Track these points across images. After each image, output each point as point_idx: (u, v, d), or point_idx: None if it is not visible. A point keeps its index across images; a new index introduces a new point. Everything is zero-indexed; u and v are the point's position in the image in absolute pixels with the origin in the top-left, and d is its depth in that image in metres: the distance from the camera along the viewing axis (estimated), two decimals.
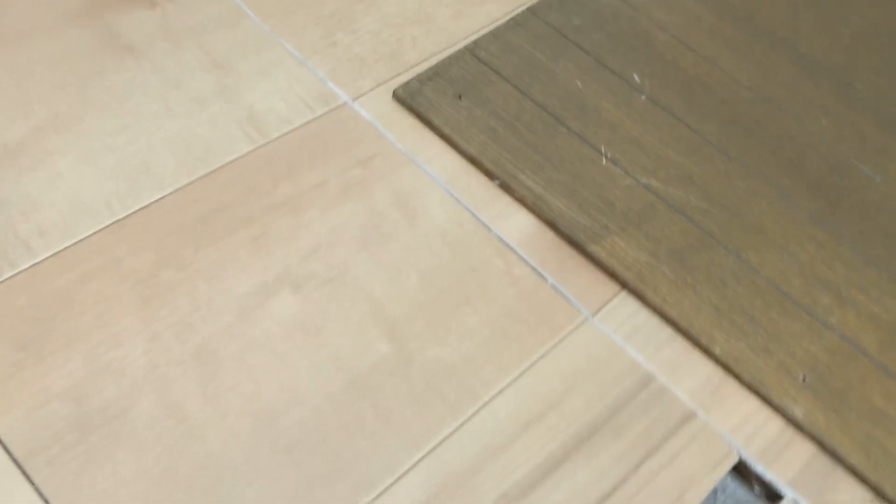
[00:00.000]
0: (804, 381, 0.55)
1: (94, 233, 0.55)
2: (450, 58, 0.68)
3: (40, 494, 0.45)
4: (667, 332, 0.57)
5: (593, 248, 0.59)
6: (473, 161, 0.62)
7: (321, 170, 0.60)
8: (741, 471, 0.53)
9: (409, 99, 0.65)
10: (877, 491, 0.51)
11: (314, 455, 0.48)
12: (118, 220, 0.56)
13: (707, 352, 0.55)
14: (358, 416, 0.50)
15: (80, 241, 0.54)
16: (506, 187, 0.61)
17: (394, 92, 0.65)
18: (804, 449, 0.53)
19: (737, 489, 0.53)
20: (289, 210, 0.58)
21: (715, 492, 0.52)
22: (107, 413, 0.48)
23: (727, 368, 0.55)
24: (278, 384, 0.50)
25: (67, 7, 0.66)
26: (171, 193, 0.57)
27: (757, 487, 0.52)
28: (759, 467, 0.52)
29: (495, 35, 0.70)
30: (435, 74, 0.67)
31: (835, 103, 0.71)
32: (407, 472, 0.48)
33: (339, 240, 0.57)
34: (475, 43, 0.70)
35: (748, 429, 0.53)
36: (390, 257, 0.57)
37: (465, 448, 0.50)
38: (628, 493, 0.49)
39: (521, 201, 0.61)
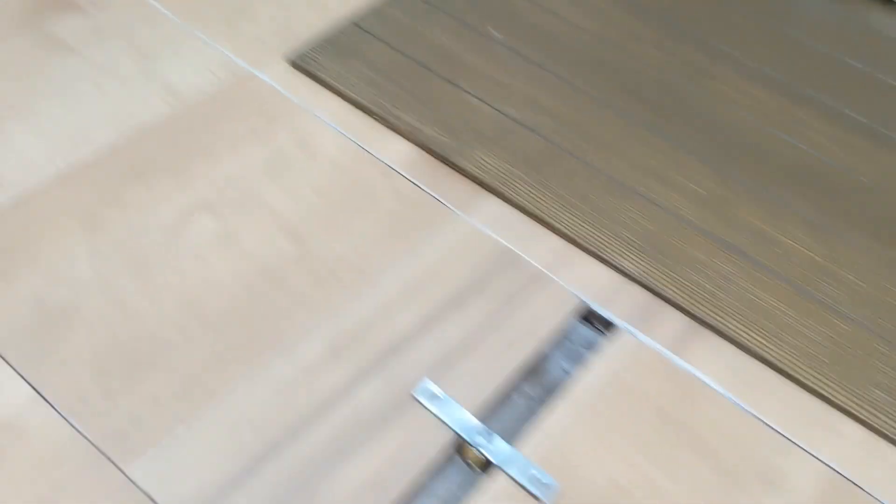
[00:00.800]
0: (634, 243, 0.68)
1: (45, 182, 0.67)
2: (337, 30, 0.82)
3: (16, 371, 0.56)
4: (522, 218, 0.69)
5: (461, 162, 0.72)
6: (359, 106, 0.75)
7: (232, 123, 0.73)
8: (584, 315, 0.65)
9: (303, 64, 0.78)
10: (691, 315, 0.64)
11: (235, 327, 0.60)
12: (63, 173, 0.68)
13: (554, 229, 0.68)
14: (269, 298, 0.62)
15: (34, 189, 0.66)
16: (387, 123, 0.74)
17: (289, 59, 0.78)
18: (634, 292, 0.66)
19: (584, 331, 0.65)
20: (206, 154, 0.70)
21: (567, 334, 0.65)
22: (65, 310, 0.60)
23: (570, 239, 0.68)
24: (203, 279, 0.62)
25: (8, 19, 0.79)
26: (105, 150, 0.70)
27: (598, 326, 0.65)
28: (597, 308, 0.64)
29: (376, 11, 0.84)
30: (325, 43, 0.80)
31: (664, 38, 0.85)
32: (311, 333, 0.60)
33: (248, 173, 0.70)
34: (358, 18, 0.83)
35: (587, 281, 0.66)
36: (291, 182, 0.69)
37: (360, 315, 0.62)
38: (489, 332, 0.62)
39: (400, 132, 0.74)
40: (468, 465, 0.56)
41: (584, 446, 0.56)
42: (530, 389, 0.61)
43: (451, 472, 0.56)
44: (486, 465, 0.56)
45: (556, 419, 0.57)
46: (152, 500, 0.52)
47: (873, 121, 0.80)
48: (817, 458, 0.57)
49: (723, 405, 0.59)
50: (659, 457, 0.56)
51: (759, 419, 0.59)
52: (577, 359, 0.63)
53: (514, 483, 0.54)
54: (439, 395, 0.58)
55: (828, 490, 0.56)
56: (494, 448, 0.56)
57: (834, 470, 0.57)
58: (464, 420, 0.57)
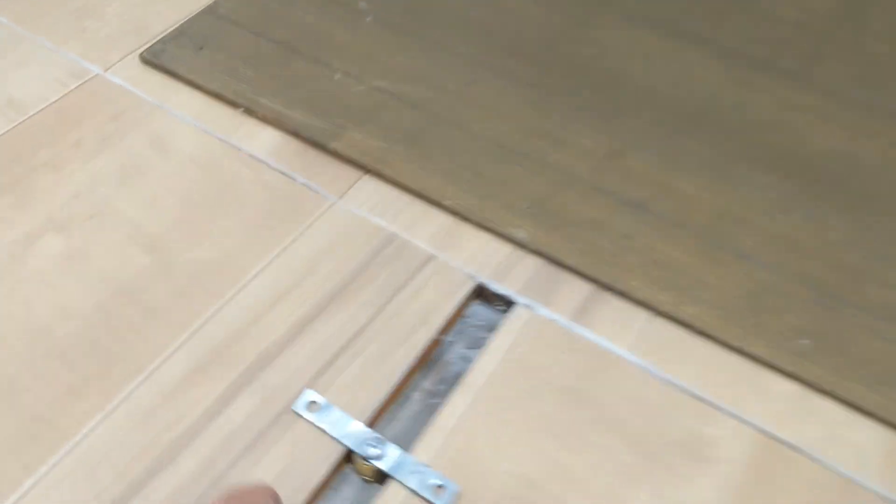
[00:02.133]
0: (526, 210, 0.62)
1: None
2: (190, 20, 0.75)
3: None
4: (405, 199, 0.64)
5: (334, 145, 0.66)
6: (217, 96, 0.69)
7: (78, 131, 0.66)
8: (481, 294, 0.60)
9: (155, 58, 0.71)
10: (596, 281, 0.59)
11: (87, 356, 0.53)
12: None
13: (440, 205, 0.63)
14: (125, 318, 0.55)
15: None
16: (249, 112, 0.68)
17: (140, 55, 0.72)
18: (530, 263, 0.60)
19: (483, 311, 0.60)
20: (49, 169, 0.63)
21: (465, 318, 0.59)
22: None
23: (458, 215, 0.62)
24: (50, 305, 0.56)
25: None
26: None
27: (497, 304, 0.59)
28: (493, 285, 0.59)
29: None
30: (178, 34, 0.73)
31: None
32: (174, 352, 0.54)
33: (99, 183, 0.63)
34: (215, 3, 0.77)
35: (481, 258, 0.60)
36: (148, 188, 0.63)
37: (227, 324, 0.56)
38: (378, 326, 0.56)
39: (265, 120, 0.67)
40: (362, 478, 0.51)
41: (487, 439, 0.51)
42: (430, 385, 0.55)
43: (344, 489, 0.50)
44: (380, 477, 0.50)
45: (454, 414, 0.52)
46: None
47: (764, 53, 0.75)
48: (746, 422, 0.53)
49: (635, 375, 0.54)
50: (570, 441, 0.51)
51: (678, 386, 0.54)
52: (478, 344, 0.57)
53: (410, 492, 0.48)
54: (322, 404, 0.52)
55: (761, 455, 0.51)
56: (388, 456, 0.50)
57: (765, 433, 0.52)
58: (352, 430, 0.51)
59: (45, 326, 0.54)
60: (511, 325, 0.56)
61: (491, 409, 0.52)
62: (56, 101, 0.68)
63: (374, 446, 0.50)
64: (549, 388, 0.53)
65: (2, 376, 0.52)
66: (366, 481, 0.51)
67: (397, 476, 0.49)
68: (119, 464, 0.49)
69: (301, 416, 0.51)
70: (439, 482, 0.48)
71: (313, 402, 0.52)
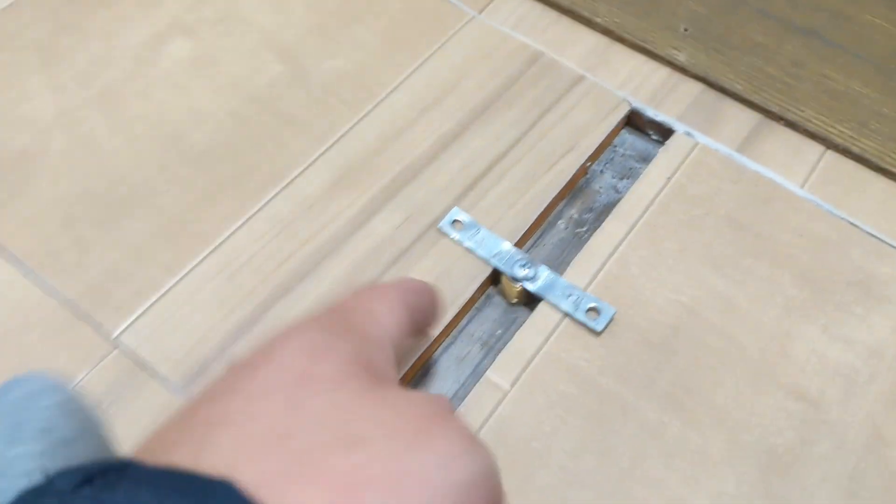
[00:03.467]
0: (686, 31, 0.57)
1: None
2: None
3: None
4: (551, 14, 0.59)
5: None
6: None
7: None
8: (634, 121, 0.55)
9: None
10: (763, 110, 0.54)
11: (223, 161, 0.51)
12: (14, 2, 0.57)
13: (591, 23, 0.57)
14: (260, 125, 0.53)
15: None
16: None
17: None
18: (690, 87, 0.55)
19: (634, 140, 0.55)
20: None
21: (614, 146, 0.55)
22: (25, 154, 0.51)
23: (611, 34, 0.57)
24: (182, 109, 0.53)
25: None
26: None
27: (651, 132, 0.55)
28: (649, 112, 0.54)
29: None
30: None
31: None
32: (314, 161, 0.51)
33: None
34: None
35: (636, 81, 0.55)
36: None
37: (366, 137, 0.52)
38: (524, 148, 0.52)
39: None
40: (508, 301, 0.48)
41: (643, 266, 0.48)
42: (577, 214, 0.52)
43: (490, 311, 0.48)
44: (529, 299, 0.48)
45: (607, 240, 0.49)
46: (144, 365, 0.44)
47: None
48: None
49: (804, 209, 0.50)
50: (731, 271, 0.47)
51: (849, 221, 0.50)
52: (630, 175, 0.54)
53: (562, 314, 0.46)
54: (468, 223, 0.49)
55: None
56: (539, 278, 0.47)
57: None
58: (501, 250, 0.48)
59: (178, 131, 0.52)
60: (669, 154, 0.52)
61: (648, 236, 0.49)
62: None
63: (526, 266, 0.47)
64: (712, 217, 0.49)
65: (137, 178, 0.50)
66: (513, 304, 0.48)
67: (549, 298, 0.46)
68: (263, 269, 0.47)
69: (446, 235, 0.49)
70: (595, 304, 0.46)
71: (457, 221, 0.49)
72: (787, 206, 0.50)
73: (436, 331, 0.45)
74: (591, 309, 0.46)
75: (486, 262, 0.48)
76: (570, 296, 0.46)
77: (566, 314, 0.46)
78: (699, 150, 0.52)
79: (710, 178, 0.51)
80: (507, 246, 0.48)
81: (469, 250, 0.48)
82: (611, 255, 0.48)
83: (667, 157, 0.52)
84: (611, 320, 0.45)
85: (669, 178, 0.51)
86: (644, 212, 0.49)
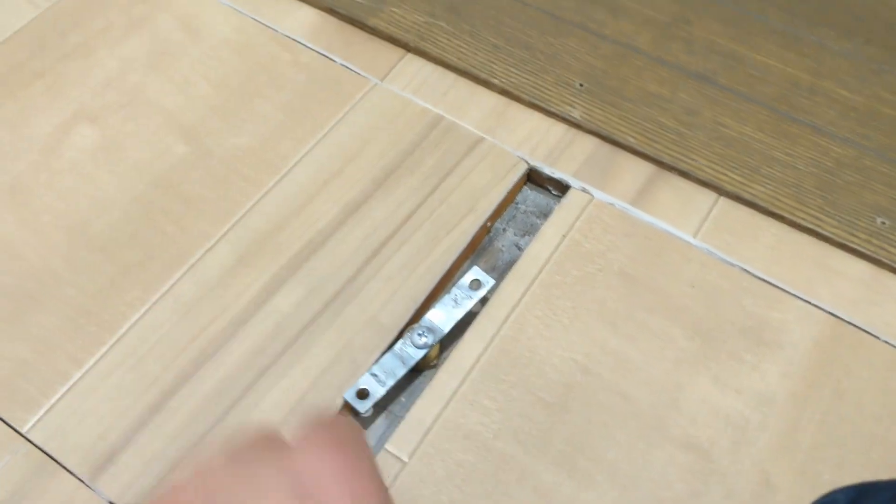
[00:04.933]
0: (581, 87, 0.58)
1: None
2: None
3: None
4: (450, 77, 0.60)
5: (373, 22, 0.61)
6: None
7: (105, 15, 0.63)
8: (534, 178, 0.56)
9: None
10: (656, 161, 0.55)
11: (127, 248, 0.52)
12: None
13: (488, 84, 0.59)
14: (164, 209, 0.54)
15: None
16: None
17: None
18: (586, 143, 0.56)
19: (535, 196, 0.56)
20: (79, 55, 0.61)
21: (516, 203, 0.56)
22: None
23: (508, 94, 0.58)
24: (87, 198, 0.54)
25: None
26: None
27: (551, 188, 0.56)
28: (546, 170, 0.55)
29: None
30: None
31: None
32: (215, 243, 0.52)
33: (130, 69, 0.60)
34: None
35: (533, 140, 0.57)
36: (180, 73, 0.60)
37: (269, 213, 0.53)
38: (425, 214, 0.53)
39: None
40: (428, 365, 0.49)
41: (538, 326, 0.48)
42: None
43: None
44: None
45: (506, 301, 0.50)
46: (52, 458, 0.45)
47: None
48: (814, 305, 0.50)
49: (697, 258, 0.51)
50: (623, 326, 0.49)
51: (743, 268, 0.51)
52: (531, 230, 0.55)
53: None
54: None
55: (828, 339, 0.48)
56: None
57: (834, 315, 0.49)
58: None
59: (84, 219, 0.53)
60: (564, 211, 0.53)
61: (543, 296, 0.50)
62: None
63: (423, 335, 0.48)
64: (605, 274, 0.50)
65: (44, 270, 0.51)
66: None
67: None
68: (166, 355, 0.48)
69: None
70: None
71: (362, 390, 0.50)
72: (679, 256, 0.51)
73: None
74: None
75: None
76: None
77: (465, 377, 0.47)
78: (594, 206, 0.53)
79: (604, 233, 0.52)
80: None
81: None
82: (507, 317, 0.49)
83: (562, 214, 0.53)
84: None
85: (565, 236, 0.52)
86: (539, 272, 0.50)
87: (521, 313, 0.49)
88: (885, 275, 0.51)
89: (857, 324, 0.49)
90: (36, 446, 0.45)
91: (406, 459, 0.44)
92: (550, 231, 0.52)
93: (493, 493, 0.43)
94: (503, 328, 0.49)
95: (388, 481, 0.44)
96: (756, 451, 0.44)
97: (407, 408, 0.47)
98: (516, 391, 0.46)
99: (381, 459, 0.44)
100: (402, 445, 0.45)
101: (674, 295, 0.50)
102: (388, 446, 0.45)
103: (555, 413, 0.45)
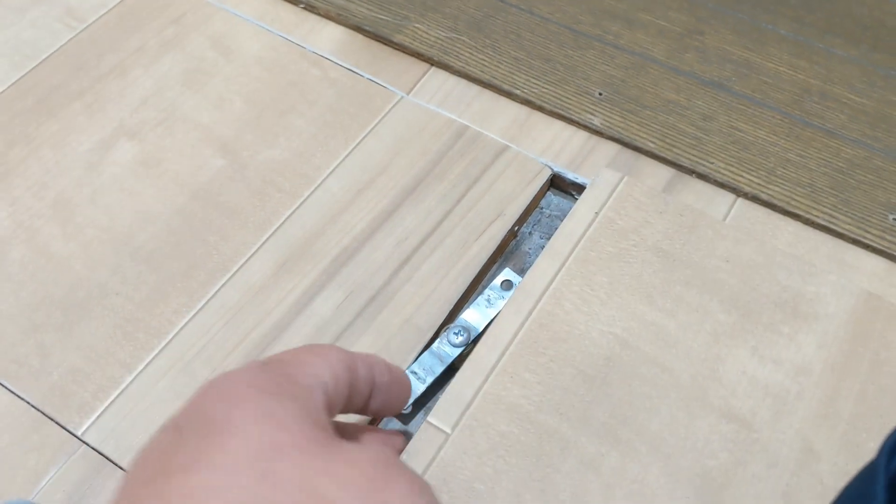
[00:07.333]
0: (601, 95, 0.60)
1: None
2: None
3: None
4: (474, 89, 0.62)
5: (398, 38, 0.64)
6: None
7: (139, 36, 0.65)
8: (558, 184, 0.59)
9: None
10: (676, 165, 0.57)
11: (171, 258, 0.54)
12: None
13: (511, 95, 0.61)
14: (205, 220, 0.56)
15: None
16: (311, 8, 0.66)
17: None
18: (607, 149, 0.59)
19: (559, 201, 0.59)
20: (115, 75, 0.63)
21: (541, 208, 0.58)
22: None
23: (530, 104, 0.60)
24: (130, 212, 0.56)
25: None
26: (7, 88, 0.62)
27: (574, 193, 0.58)
28: (570, 175, 0.58)
29: None
30: None
31: None
32: (256, 251, 0.54)
33: (165, 87, 0.62)
34: None
35: (556, 147, 0.59)
36: (213, 90, 0.62)
37: (305, 222, 0.56)
38: (454, 221, 0.55)
39: (327, 16, 0.66)
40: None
41: (575, 301, 0.50)
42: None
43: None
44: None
45: (541, 277, 0.51)
46: (108, 459, 0.47)
47: None
48: (848, 280, 0.51)
49: (731, 235, 0.53)
50: (661, 300, 0.50)
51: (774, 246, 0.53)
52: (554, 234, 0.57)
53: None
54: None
55: (863, 311, 0.50)
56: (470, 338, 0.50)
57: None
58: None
59: (128, 233, 0.55)
60: (596, 189, 0.55)
61: (579, 272, 0.51)
62: (114, 6, 0.67)
63: (459, 333, 0.50)
64: (640, 249, 0.52)
65: (92, 281, 0.53)
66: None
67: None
68: (213, 358, 0.50)
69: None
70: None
71: None
72: (712, 232, 0.53)
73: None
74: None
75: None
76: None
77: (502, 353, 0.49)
78: (625, 184, 0.55)
79: (637, 210, 0.54)
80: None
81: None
82: (544, 292, 0.51)
83: (594, 192, 0.55)
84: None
85: (598, 213, 0.54)
86: (574, 248, 0.52)
87: (557, 288, 0.51)
88: None
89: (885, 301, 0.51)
90: (92, 448, 0.47)
91: (449, 431, 0.46)
92: (583, 209, 0.54)
93: (538, 465, 0.45)
94: (540, 302, 0.50)
95: (431, 453, 0.45)
96: (797, 420, 0.46)
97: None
98: (556, 365, 0.48)
99: (424, 432, 0.46)
100: (444, 418, 0.47)
101: (709, 269, 0.52)
102: (430, 419, 0.47)
103: (596, 386, 0.47)
